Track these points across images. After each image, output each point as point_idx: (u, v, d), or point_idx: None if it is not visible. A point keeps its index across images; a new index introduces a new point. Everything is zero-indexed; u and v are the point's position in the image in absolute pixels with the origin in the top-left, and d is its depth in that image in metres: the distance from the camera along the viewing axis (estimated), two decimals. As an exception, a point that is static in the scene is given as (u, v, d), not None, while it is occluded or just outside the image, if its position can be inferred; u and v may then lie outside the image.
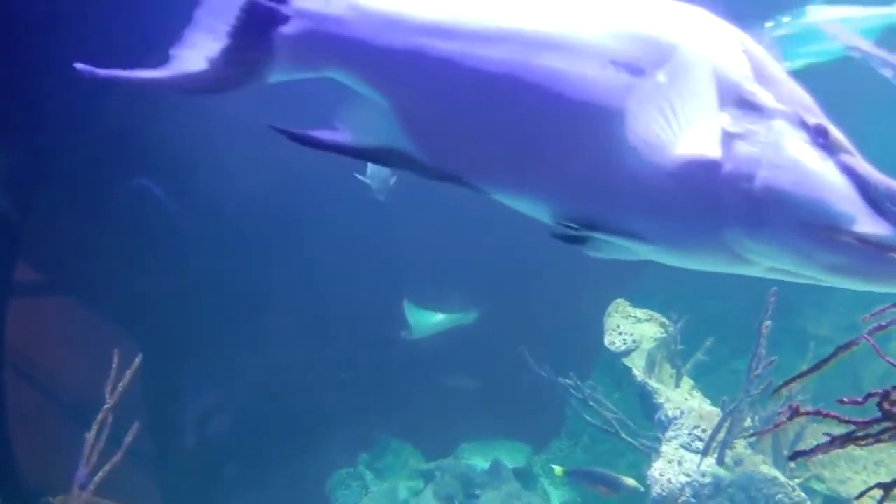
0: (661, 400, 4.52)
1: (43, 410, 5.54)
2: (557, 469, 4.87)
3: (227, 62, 1.56)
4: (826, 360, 1.36)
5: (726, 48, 1.57)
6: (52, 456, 4.93)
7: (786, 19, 4.54)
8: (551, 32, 1.56)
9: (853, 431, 1.33)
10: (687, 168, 1.51)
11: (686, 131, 1.51)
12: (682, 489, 4.14)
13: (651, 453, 4.49)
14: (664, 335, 4.96)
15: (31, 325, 5.47)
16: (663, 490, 4.15)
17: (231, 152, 5.62)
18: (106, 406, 3.84)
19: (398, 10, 1.59)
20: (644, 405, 4.67)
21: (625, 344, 4.90)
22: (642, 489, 4.41)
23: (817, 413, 1.33)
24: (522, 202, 1.65)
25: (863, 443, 1.35)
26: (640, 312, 5.09)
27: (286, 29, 1.57)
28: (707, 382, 4.96)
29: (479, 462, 5.67)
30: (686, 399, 4.62)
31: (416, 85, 1.59)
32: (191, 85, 1.57)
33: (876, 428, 1.32)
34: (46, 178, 5.38)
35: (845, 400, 1.31)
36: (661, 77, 1.52)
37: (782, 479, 4.16)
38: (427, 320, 5.59)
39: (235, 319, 6.06)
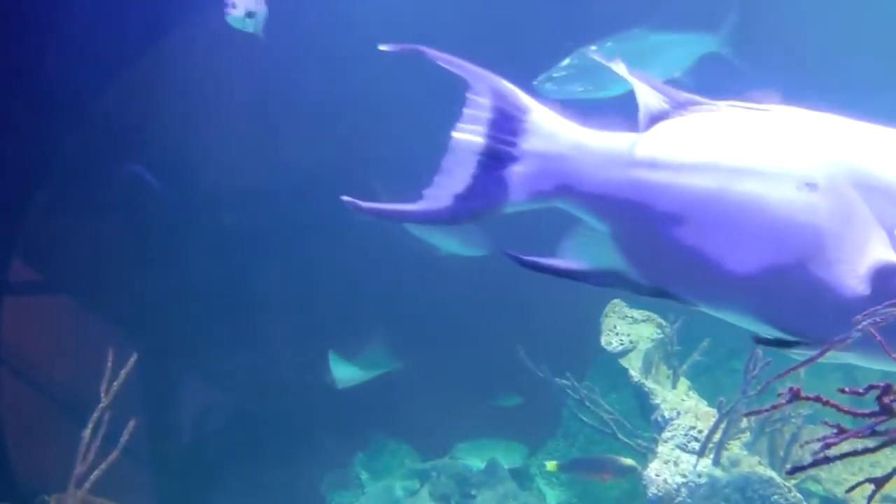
0: (657, 400, 4.52)
1: (38, 409, 5.53)
2: (550, 464, 4.85)
3: (468, 198, 1.81)
4: (820, 354, 1.39)
5: None
6: (48, 454, 4.93)
7: (609, 43, 4.72)
8: (747, 160, 1.75)
9: (850, 434, 1.35)
10: (877, 276, 1.66)
11: (875, 241, 1.68)
12: (678, 490, 4.14)
13: (647, 454, 4.50)
14: (661, 336, 4.96)
15: (24, 323, 5.46)
16: (659, 490, 4.15)
17: (231, 150, 5.62)
18: (101, 405, 3.83)
19: (612, 146, 1.83)
20: (640, 406, 4.67)
21: (622, 344, 4.90)
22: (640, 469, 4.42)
23: (817, 399, 1.37)
24: (727, 314, 1.84)
25: (860, 445, 1.36)
26: (636, 313, 5.09)
27: (518, 168, 1.81)
28: (704, 383, 4.97)
29: (475, 462, 5.66)
30: (682, 400, 4.62)
31: (630, 212, 1.81)
32: (437, 218, 1.85)
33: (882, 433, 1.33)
34: (40, 174, 5.36)
35: (845, 390, 1.37)
36: (851, 193, 1.70)
37: (778, 479, 4.16)
38: (351, 371, 5.63)
39: (231, 317, 6.05)
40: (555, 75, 4.78)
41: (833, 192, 1.69)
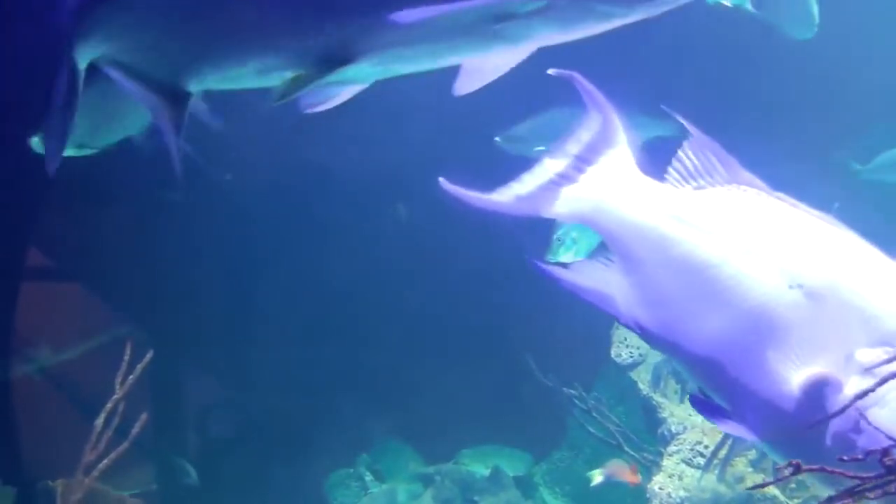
0: (664, 414, 4.54)
1: (46, 396, 5.55)
2: (596, 473, 4.70)
3: (524, 199, 2.11)
4: (778, 480, 1.51)
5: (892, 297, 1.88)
6: (54, 441, 4.95)
7: None
8: (759, 245, 1.94)
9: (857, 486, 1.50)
10: (809, 384, 1.83)
11: (828, 354, 1.83)
12: (681, 504, 4.15)
13: (652, 467, 4.50)
14: (671, 350, 4.95)
15: (36, 312, 5.48)
16: (662, 504, 4.16)
17: (243, 145, 5.63)
18: (115, 396, 3.87)
19: (653, 193, 2.07)
20: (647, 419, 4.68)
21: (631, 357, 4.91)
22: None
23: (821, 470, 1.52)
24: (684, 367, 2.05)
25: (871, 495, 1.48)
26: (647, 326, 5.09)
27: (571, 188, 2.10)
28: (711, 399, 4.96)
29: (480, 469, 5.66)
30: (690, 415, 4.63)
31: (641, 250, 2.03)
32: (499, 209, 2.13)
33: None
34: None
35: (846, 458, 1.53)
36: (832, 306, 1.86)
37: (782, 498, 4.16)
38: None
39: (237, 315, 6.06)
40: None
41: (817, 299, 1.86)
